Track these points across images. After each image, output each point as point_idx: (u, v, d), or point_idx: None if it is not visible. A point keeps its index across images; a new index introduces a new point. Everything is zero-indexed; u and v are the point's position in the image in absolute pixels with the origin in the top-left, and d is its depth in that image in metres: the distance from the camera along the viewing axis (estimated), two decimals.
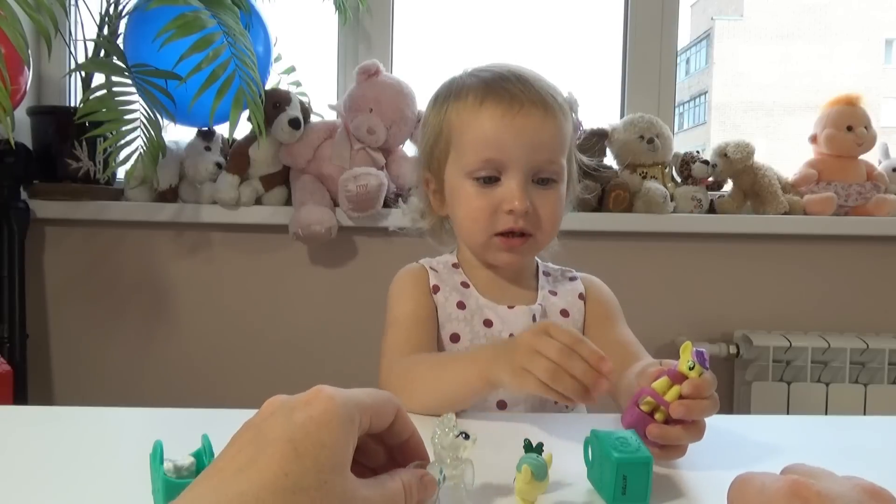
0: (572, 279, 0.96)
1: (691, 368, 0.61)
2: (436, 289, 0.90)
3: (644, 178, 1.66)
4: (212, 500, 0.35)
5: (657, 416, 0.62)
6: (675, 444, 0.62)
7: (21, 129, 1.54)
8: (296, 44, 1.78)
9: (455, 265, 0.94)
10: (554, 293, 0.93)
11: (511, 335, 0.87)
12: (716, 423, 0.70)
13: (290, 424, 0.38)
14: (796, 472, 0.40)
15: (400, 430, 0.45)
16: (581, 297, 0.93)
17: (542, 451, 0.53)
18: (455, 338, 0.88)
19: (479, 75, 0.88)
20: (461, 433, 0.48)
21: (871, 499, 0.36)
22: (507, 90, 0.84)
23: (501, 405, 0.87)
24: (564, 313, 0.91)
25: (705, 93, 10.43)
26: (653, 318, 1.65)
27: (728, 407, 1.70)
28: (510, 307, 0.89)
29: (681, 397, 0.61)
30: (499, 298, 0.90)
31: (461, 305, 0.89)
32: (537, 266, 0.96)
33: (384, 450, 0.46)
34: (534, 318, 0.88)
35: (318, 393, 0.39)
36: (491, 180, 0.84)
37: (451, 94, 0.89)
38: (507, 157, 0.83)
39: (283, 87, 1.72)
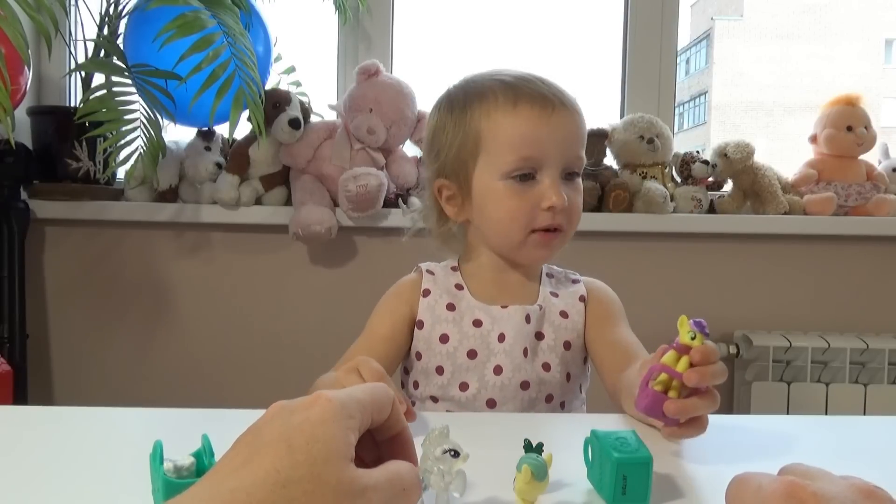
0: (575, 282, 0.97)
1: (693, 339, 0.62)
2: (426, 293, 0.92)
3: (644, 178, 1.66)
4: (205, 497, 0.36)
5: (671, 393, 0.63)
6: (694, 417, 0.63)
7: (21, 129, 1.54)
8: (296, 44, 1.78)
9: (454, 268, 0.95)
10: (555, 294, 0.93)
11: (501, 334, 0.88)
12: (716, 423, 0.70)
13: (286, 426, 0.38)
14: (793, 472, 0.40)
15: (391, 423, 0.44)
16: (582, 299, 0.94)
17: (542, 451, 0.53)
18: (444, 338, 0.90)
19: (498, 79, 0.88)
20: (450, 450, 0.48)
21: (866, 499, 0.36)
22: (537, 91, 0.86)
23: (491, 403, 0.88)
24: (563, 314, 0.92)
25: (705, 93, 10.43)
26: (653, 319, 1.63)
27: (728, 407, 1.70)
28: (503, 307, 0.90)
29: (691, 366, 0.62)
30: (495, 299, 0.91)
31: (451, 307, 0.91)
32: (541, 268, 0.97)
33: (374, 444, 0.45)
34: (527, 318, 0.89)
35: (317, 397, 0.40)
36: (526, 178, 0.86)
37: (473, 99, 0.88)
38: (543, 155, 0.85)
39: (283, 87, 1.72)
